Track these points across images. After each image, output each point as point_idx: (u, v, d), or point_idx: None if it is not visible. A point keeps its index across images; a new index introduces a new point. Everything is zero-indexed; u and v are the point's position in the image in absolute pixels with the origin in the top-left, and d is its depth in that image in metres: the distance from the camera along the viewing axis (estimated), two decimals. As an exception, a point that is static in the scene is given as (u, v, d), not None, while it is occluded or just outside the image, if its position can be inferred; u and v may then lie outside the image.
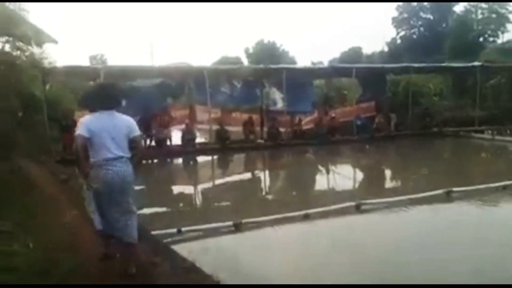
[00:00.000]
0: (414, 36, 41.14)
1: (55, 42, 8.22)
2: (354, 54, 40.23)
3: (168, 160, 12.49)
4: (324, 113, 15.79)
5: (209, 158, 12.98)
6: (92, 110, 3.24)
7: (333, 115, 15.37)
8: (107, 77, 11.48)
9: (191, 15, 75.69)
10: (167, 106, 14.00)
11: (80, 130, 3.06)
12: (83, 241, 3.96)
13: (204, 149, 13.13)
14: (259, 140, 13.89)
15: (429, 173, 9.95)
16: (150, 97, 13.43)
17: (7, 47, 7.75)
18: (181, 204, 7.71)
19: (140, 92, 13.48)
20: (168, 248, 4.14)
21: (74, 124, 12.74)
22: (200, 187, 9.24)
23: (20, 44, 7.54)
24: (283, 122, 14.70)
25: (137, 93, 13.42)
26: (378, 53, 41.63)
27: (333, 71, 16.11)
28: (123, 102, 4.87)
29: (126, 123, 3.22)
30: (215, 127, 13.44)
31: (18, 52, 7.84)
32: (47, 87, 13.88)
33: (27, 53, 7.92)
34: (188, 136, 13.25)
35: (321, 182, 9.70)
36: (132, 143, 3.23)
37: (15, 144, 6.51)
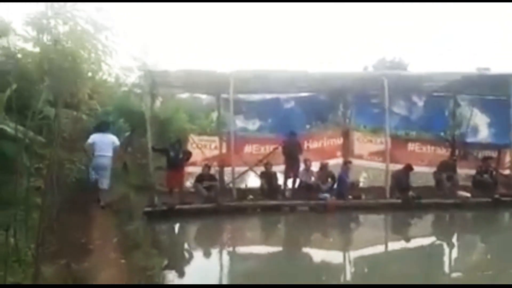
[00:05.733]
0: None
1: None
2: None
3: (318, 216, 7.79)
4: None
5: (382, 219, 8.03)
6: (96, 132, 6.86)
7: None
8: (237, 85, 7.60)
9: (299, 29, 71.02)
10: (316, 132, 9.48)
11: (90, 140, 6.73)
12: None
13: (372, 205, 8.17)
14: (462, 193, 8.41)
15: None
16: (292, 118, 9.16)
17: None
18: None
19: (278, 109, 9.33)
20: None
21: (186, 155, 8.08)
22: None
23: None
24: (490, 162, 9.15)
25: (273, 110, 9.34)
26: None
27: None
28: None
29: (111, 139, 6.92)
30: (390, 166, 8.48)
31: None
32: (158, 102, 10.73)
33: None
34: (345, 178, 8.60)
35: None
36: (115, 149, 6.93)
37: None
